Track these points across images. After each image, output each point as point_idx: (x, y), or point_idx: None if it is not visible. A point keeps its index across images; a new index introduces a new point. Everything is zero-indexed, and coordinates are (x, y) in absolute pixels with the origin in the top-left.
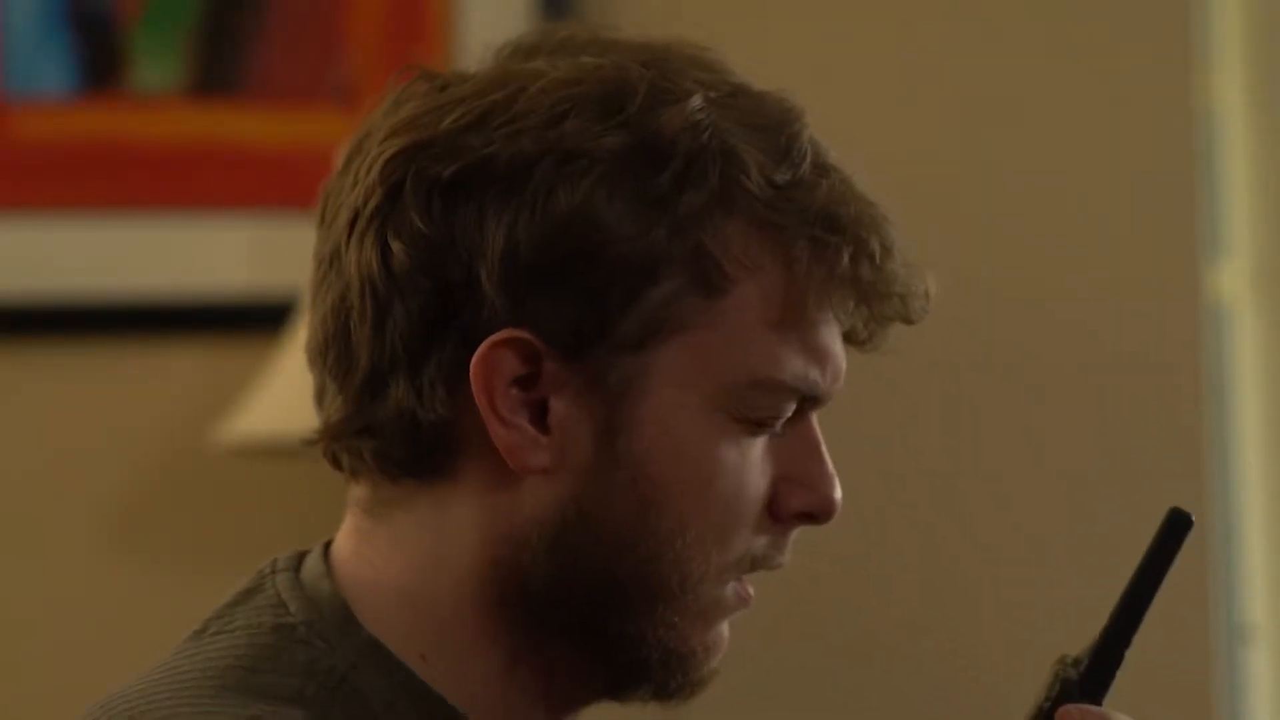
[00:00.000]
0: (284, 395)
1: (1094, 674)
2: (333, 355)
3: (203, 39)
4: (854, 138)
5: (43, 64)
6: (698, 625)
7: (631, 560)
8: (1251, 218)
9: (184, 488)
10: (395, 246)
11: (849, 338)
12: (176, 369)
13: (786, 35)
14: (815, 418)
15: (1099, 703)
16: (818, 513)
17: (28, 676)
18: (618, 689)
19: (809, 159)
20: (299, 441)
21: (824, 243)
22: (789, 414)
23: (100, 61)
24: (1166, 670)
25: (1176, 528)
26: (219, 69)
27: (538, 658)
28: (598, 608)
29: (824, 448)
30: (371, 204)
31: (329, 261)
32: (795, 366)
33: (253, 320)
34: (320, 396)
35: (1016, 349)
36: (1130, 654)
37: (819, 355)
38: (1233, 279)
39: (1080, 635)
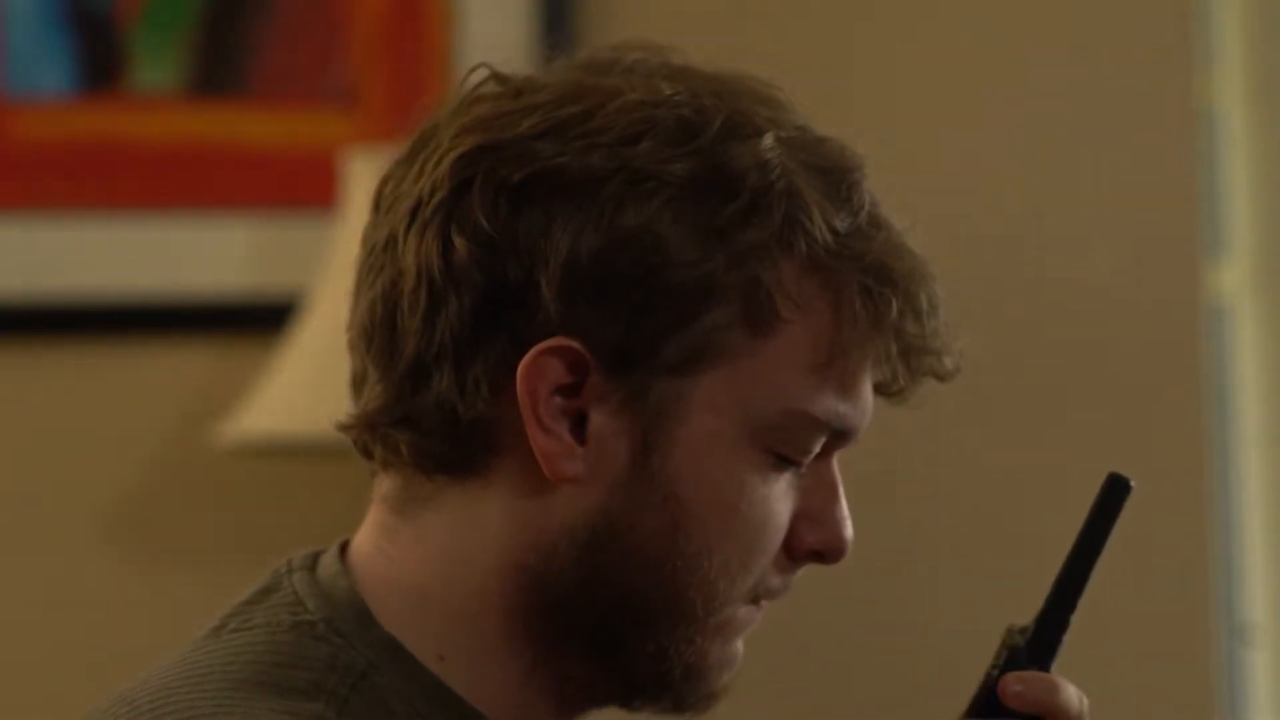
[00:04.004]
0: (284, 395)
1: (1039, 641)
2: (377, 342)
3: (203, 39)
4: (853, 138)
5: (43, 64)
6: (716, 642)
7: (657, 578)
8: (1251, 218)
9: (185, 488)
10: (458, 241)
11: (881, 389)
12: (176, 369)
13: (785, 36)
14: (836, 461)
15: (1046, 669)
16: (827, 551)
17: (28, 676)
18: (634, 698)
19: (866, 209)
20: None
21: (875, 292)
22: (817, 449)
23: (100, 61)
24: (1166, 670)
25: (1115, 492)
26: (219, 69)
27: (557, 664)
28: (621, 621)
29: (841, 489)
30: (437, 197)
31: (383, 248)
32: (828, 403)
33: (253, 320)
34: (359, 383)
35: (1016, 349)
36: (1130, 653)
37: (852, 395)
38: (1233, 279)
39: (1080, 633)
